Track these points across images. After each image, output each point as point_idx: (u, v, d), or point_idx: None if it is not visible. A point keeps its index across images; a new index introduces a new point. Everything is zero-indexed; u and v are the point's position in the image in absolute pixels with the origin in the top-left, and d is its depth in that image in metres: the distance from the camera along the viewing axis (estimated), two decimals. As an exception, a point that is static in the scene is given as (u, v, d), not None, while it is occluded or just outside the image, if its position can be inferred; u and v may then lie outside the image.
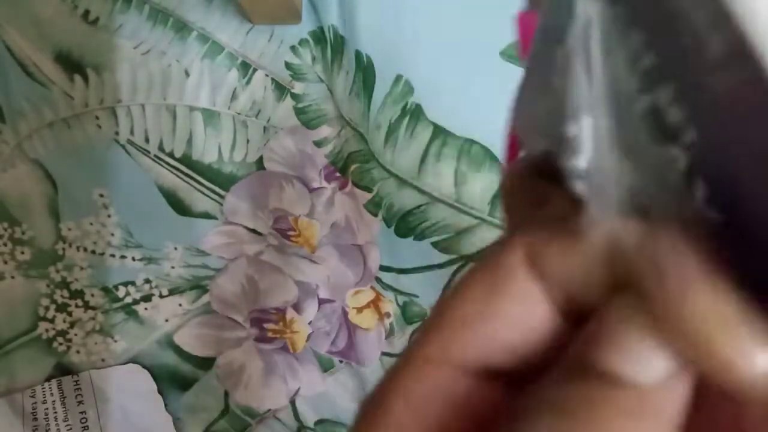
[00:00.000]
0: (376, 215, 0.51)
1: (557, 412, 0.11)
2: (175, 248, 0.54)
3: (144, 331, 0.54)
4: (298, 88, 0.53)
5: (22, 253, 0.55)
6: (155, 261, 0.54)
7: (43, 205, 0.55)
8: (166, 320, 0.54)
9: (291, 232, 0.53)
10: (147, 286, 0.54)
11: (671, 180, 0.11)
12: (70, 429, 0.53)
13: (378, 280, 0.52)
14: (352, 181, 0.52)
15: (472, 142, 0.51)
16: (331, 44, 0.52)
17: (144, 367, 0.53)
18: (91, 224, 0.55)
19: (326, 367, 0.53)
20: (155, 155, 0.54)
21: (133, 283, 0.54)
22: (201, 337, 0.53)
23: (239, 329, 0.53)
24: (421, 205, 0.50)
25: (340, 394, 0.53)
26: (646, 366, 0.11)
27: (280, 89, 0.54)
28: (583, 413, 0.11)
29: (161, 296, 0.54)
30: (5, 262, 0.55)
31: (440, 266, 0.50)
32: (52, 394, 0.53)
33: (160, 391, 0.53)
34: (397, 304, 0.52)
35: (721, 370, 0.10)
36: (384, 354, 0.52)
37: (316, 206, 0.53)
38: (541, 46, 0.14)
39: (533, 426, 0.11)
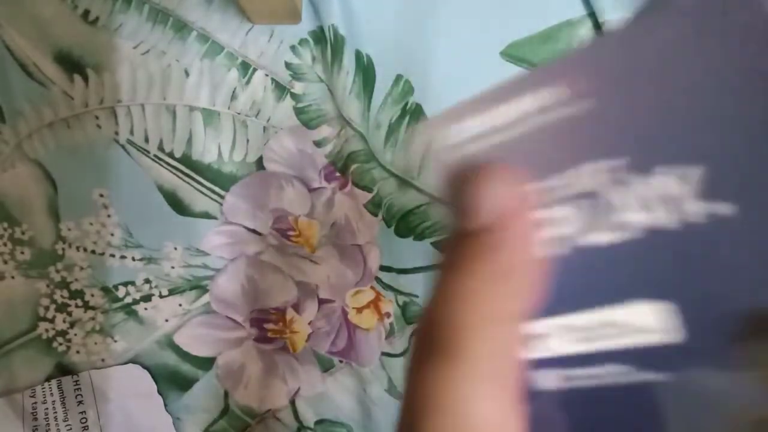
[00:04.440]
0: (376, 215, 0.51)
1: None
2: (175, 248, 0.54)
3: (144, 331, 0.54)
4: (298, 88, 0.53)
5: (22, 253, 0.55)
6: (155, 261, 0.54)
7: (42, 205, 0.55)
8: (166, 320, 0.54)
9: (291, 232, 0.53)
10: (147, 286, 0.54)
11: None
12: (70, 429, 0.53)
13: (378, 280, 0.52)
14: (352, 181, 0.52)
15: (472, 142, 0.51)
16: (331, 44, 0.52)
17: (144, 367, 0.53)
18: (91, 224, 0.55)
19: (326, 367, 0.53)
20: (155, 155, 0.54)
21: (133, 283, 0.54)
22: (201, 337, 0.53)
23: (239, 329, 0.53)
24: (421, 205, 0.50)
25: (340, 394, 0.53)
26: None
27: (280, 89, 0.54)
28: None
29: (161, 296, 0.54)
30: (5, 262, 0.55)
31: (440, 266, 0.50)
32: (52, 394, 0.53)
33: (160, 391, 0.53)
34: (397, 304, 0.52)
35: None
36: (384, 354, 0.52)
37: (316, 206, 0.53)
38: None
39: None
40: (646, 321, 0.15)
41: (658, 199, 0.15)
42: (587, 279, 0.16)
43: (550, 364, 0.17)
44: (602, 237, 0.16)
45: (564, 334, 0.17)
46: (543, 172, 0.16)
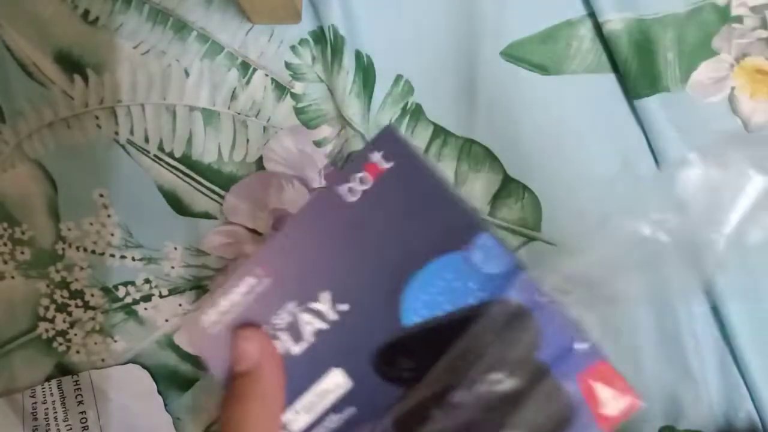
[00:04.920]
0: (376, 215, 0.51)
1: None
2: (175, 248, 0.54)
3: (144, 331, 0.54)
4: (298, 88, 0.53)
5: (22, 253, 0.55)
6: (155, 261, 0.54)
7: (43, 205, 0.55)
8: (166, 320, 0.54)
9: (291, 232, 0.53)
10: (147, 286, 0.54)
11: None
12: (70, 429, 0.53)
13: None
14: (352, 181, 0.52)
15: (472, 142, 0.51)
16: (331, 44, 0.52)
17: (144, 367, 0.53)
18: (91, 224, 0.55)
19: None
20: (155, 155, 0.54)
21: (133, 283, 0.54)
22: (201, 337, 0.53)
23: (239, 329, 0.53)
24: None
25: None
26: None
27: (280, 89, 0.54)
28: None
29: (161, 296, 0.54)
30: (5, 262, 0.55)
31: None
32: (52, 394, 0.53)
33: (160, 391, 0.53)
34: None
35: None
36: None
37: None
38: None
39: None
40: (335, 381, 0.27)
41: (315, 316, 0.28)
42: (297, 373, 0.28)
43: None
44: (298, 347, 0.28)
45: (299, 414, 0.28)
46: (266, 317, 0.28)
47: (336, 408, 0.27)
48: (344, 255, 0.28)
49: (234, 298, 0.28)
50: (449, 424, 0.24)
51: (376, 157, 0.28)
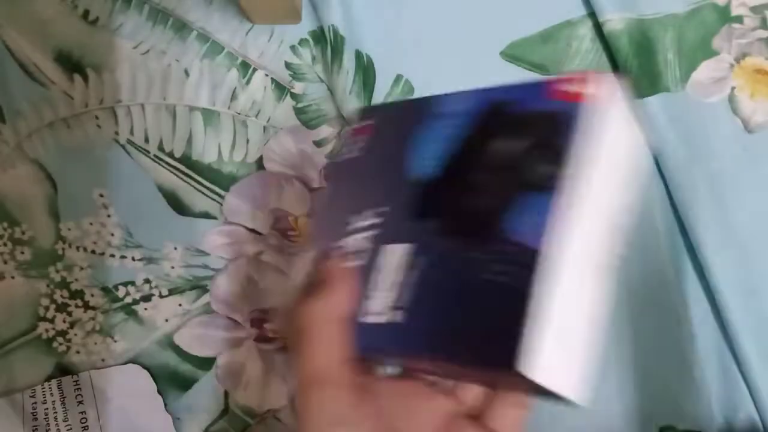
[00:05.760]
0: (376, 215, 0.51)
1: None
2: (175, 248, 0.54)
3: (144, 331, 0.54)
4: (298, 88, 0.53)
5: (22, 253, 0.55)
6: (155, 261, 0.54)
7: (43, 205, 0.55)
8: (166, 320, 0.54)
9: (291, 232, 0.53)
10: (147, 286, 0.54)
11: None
12: (70, 429, 0.53)
13: (378, 280, 0.52)
14: (352, 181, 0.52)
15: (472, 142, 0.51)
16: (331, 44, 0.52)
17: (144, 367, 0.53)
18: (91, 224, 0.54)
19: (326, 367, 0.53)
20: (155, 155, 0.54)
21: (133, 283, 0.54)
22: (201, 337, 0.53)
23: (239, 329, 0.53)
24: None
25: (340, 394, 0.53)
26: None
27: (280, 89, 0.54)
28: None
29: (161, 296, 0.54)
30: (5, 262, 0.55)
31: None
32: (52, 394, 0.53)
33: (160, 391, 0.53)
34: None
35: None
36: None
37: (316, 206, 0.53)
38: None
39: None
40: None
41: (366, 227, 0.32)
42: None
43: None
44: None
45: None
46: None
47: (409, 268, 0.29)
48: (365, 184, 0.33)
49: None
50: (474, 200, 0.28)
51: (365, 121, 0.35)
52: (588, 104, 0.26)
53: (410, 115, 0.33)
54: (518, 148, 0.28)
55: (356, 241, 0.31)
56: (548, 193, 0.26)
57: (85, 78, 0.55)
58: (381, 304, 0.29)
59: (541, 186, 0.26)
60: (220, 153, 0.54)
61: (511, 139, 0.28)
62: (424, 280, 0.28)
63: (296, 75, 0.54)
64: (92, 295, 0.54)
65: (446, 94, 0.33)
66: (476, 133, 0.30)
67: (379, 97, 0.52)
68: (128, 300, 0.54)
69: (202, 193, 0.54)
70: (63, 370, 0.54)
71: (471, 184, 0.29)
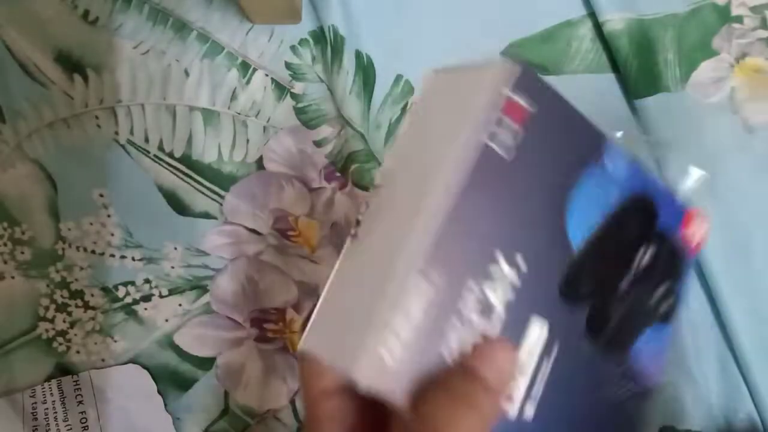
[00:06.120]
0: (376, 215, 0.51)
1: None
2: (175, 248, 0.54)
3: (144, 331, 0.54)
4: (298, 88, 0.53)
5: (22, 253, 0.55)
6: (155, 261, 0.54)
7: (43, 205, 0.55)
8: (166, 320, 0.54)
9: (291, 232, 0.53)
10: (147, 286, 0.54)
11: None
12: (70, 429, 0.53)
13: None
14: (352, 181, 0.52)
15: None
16: (331, 44, 0.52)
17: (144, 367, 0.53)
18: (91, 224, 0.55)
19: (326, 367, 0.53)
20: (155, 155, 0.54)
21: (133, 283, 0.54)
22: (201, 337, 0.53)
23: (239, 329, 0.53)
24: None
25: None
26: None
27: (280, 89, 0.54)
28: None
29: (161, 296, 0.54)
30: (5, 262, 0.55)
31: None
32: (52, 394, 0.53)
33: (159, 391, 0.53)
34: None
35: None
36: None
37: (316, 206, 0.53)
38: None
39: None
40: (535, 332, 0.26)
41: (495, 280, 0.25)
42: None
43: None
44: (491, 322, 0.25)
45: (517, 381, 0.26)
46: (452, 307, 0.25)
47: (544, 354, 0.26)
48: (508, 210, 0.25)
49: (413, 321, 0.23)
50: (623, 309, 0.29)
51: (523, 100, 0.26)
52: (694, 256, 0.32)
53: (580, 140, 0.28)
54: (659, 280, 0.30)
55: (498, 293, 0.25)
56: (666, 326, 0.30)
57: (85, 78, 0.55)
58: (516, 390, 0.25)
59: (664, 318, 0.30)
60: (220, 153, 0.54)
61: (655, 267, 0.30)
62: (556, 373, 0.26)
63: (296, 75, 0.54)
64: (92, 295, 0.54)
65: (615, 145, 0.29)
66: (622, 220, 0.29)
67: (378, 97, 0.52)
68: (128, 300, 0.54)
69: (202, 193, 0.54)
70: (63, 370, 0.54)
71: (619, 292, 0.28)
